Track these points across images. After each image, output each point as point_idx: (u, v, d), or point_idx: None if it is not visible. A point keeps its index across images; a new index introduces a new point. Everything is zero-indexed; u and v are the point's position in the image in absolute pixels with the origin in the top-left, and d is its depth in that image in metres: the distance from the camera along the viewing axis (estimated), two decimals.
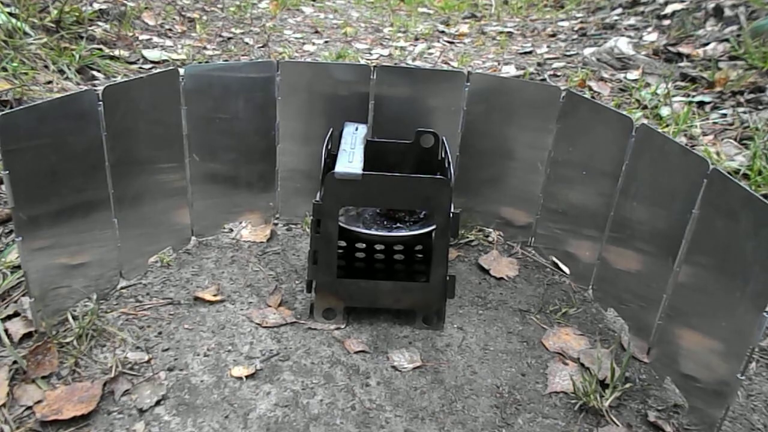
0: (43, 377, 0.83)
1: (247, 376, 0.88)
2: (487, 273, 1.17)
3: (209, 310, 1.01)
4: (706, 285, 0.86)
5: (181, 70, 1.04)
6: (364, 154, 0.97)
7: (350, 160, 0.92)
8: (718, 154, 1.61)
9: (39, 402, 0.79)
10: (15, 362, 0.84)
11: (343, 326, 1.00)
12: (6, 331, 0.88)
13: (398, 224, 1.08)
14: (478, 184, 1.24)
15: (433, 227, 0.94)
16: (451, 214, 0.92)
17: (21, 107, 0.84)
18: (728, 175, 0.82)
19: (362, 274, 0.97)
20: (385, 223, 1.07)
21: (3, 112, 0.78)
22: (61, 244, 0.91)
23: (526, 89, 1.15)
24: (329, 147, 1.04)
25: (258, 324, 0.99)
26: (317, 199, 0.92)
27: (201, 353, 0.92)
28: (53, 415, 0.77)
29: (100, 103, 0.92)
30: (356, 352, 0.94)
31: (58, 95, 1.55)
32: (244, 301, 1.04)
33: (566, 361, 0.96)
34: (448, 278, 0.97)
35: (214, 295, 1.04)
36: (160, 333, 0.95)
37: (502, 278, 1.16)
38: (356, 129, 1.04)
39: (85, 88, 1.58)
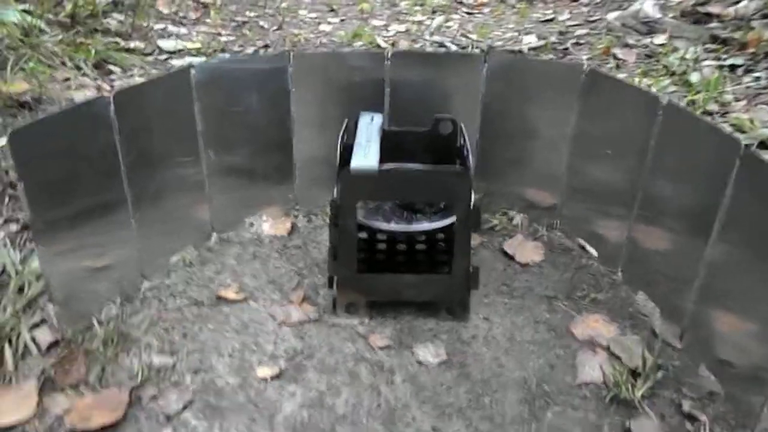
0: (72, 386, 0.84)
1: (272, 377, 0.88)
2: (512, 259, 1.15)
3: (232, 309, 1.01)
4: (741, 265, 0.82)
5: (192, 70, 1.02)
6: (381, 145, 0.95)
7: (366, 154, 0.90)
8: (751, 121, 1.54)
9: (68, 411, 0.80)
10: (43, 371, 0.85)
11: (366, 321, 0.99)
12: (33, 339, 0.89)
13: (418, 215, 1.06)
14: (501, 166, 1.21)
15: (454, 219, 0.92)
16: (472, 206, 0.90)
17: (32, 120, 0.83)
18: (761, 155, 0.78)
19: (383, 268, 0.96)
20: (405, 214, 1.05)
21: (14, 128, 0.78)
22: (82, 247, 0.92)
23: (546, 67, 1.11)
24: (344, 139, 1.02)
25: (281, 322, 0.98)
26: (334, 195, 0.91)
27: (226, 354, 0.92)
28: (83, 423, 0.78)
29: (112, 107, 0.91)
30: (381, 348, 0.93)
31: (74, 92, 1.56)
32: (267, 298, 1.04)
33: (596, 350, 0.94)
34: (471, 269, 0.95)
35: (237, 293, 1.04)
36: (184, 335, 0.95)
37: (527, 264, 1.13)
38: (372, 119, 1.02)
39: (102, 85, 1.58)
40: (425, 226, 0.93)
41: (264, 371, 0.89)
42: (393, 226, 0.93)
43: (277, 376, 0.88)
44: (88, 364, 0.87)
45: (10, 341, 0.88)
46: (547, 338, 0.96)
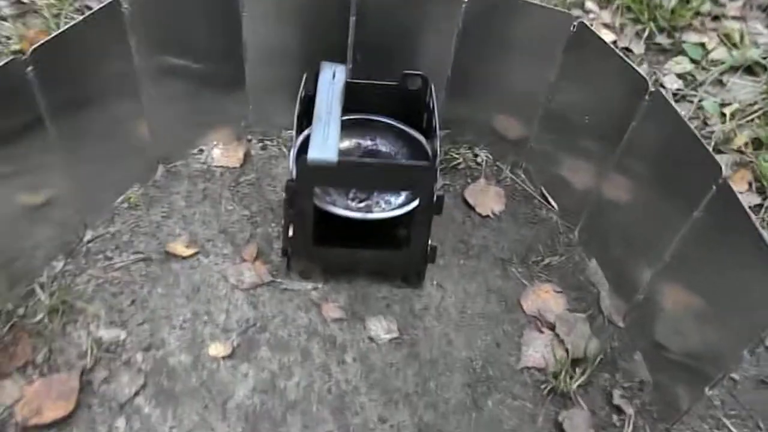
0: (18, 369, 0.83)
1: (224, 357, 0.88)
2: (472, 209, 1.12)
3: (182, 267, 0.98)
4: (700, 240, 0.81)
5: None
6: (344, 97, 0.87)
7: (325, 138, 0.82)
8: (741, 36, 1.45)
9: (17, 401, 0.80)
10: None
11: (320, 285, 0.98)
12: None
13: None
14: (472, 86, 1.10)
15: (415, 205, 0.87)
16: (436, 197, 0.85)
17: None
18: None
19: (339, 243, 0.93)
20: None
21: None
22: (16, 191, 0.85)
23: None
24: (303, 96, 0.92)
25: (234, 285, 0.97)
26: (290, 178, 0.84)
27: (177, 325, 0.91)
28: (35, 417, 0.79)
29: (30, 70, 0.78)
30: (333, 321, 0.94)
31: None
32: (219, 252, 1.01)
33: (542, 329, 0.97)
34: (429, 248, 0.93)
35: (187, 246, 1.01)
36: (133, 301, 0.93)
37: (487, 216, 1.12)
38: (333, 75, 0.91)
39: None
40: (385, 215, 0.89)
41: (216, 349, 0.89)
42: (350, 213, 0.88)
43: (229, 356, 0.89)
44: (33, 342, 0.86)
45: None
46: (497, 311, 0.98)
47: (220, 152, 1.15)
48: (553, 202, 1.14)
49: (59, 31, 0.82)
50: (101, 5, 0.85)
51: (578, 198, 1.08)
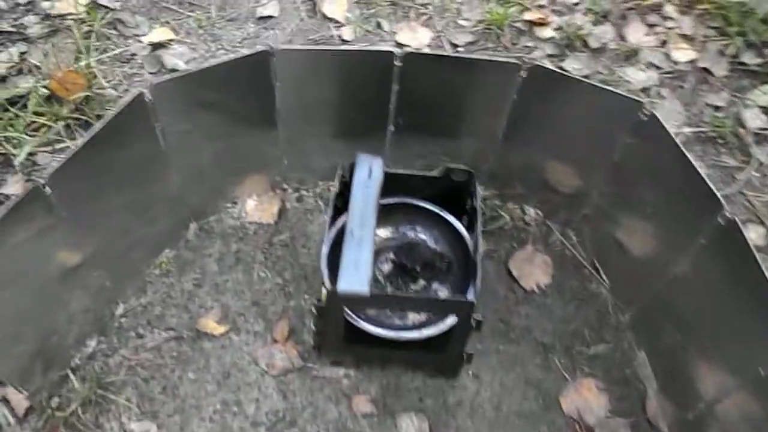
0: None
1: None
2: (516, 282, 1.06)
3: (214, 347, 0.97)
4: None
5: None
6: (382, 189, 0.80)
7: (357, 262, 0.76)
8: None
9: None
10: None
11: (352, 372, 0.96)
12: (7, 403, 0.88)
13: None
14: (527, 132, 1.00)
15: (451, 323, 0.82)
16: (476, 322, 0.80)
17: None
18: None
19: (371, 342, 0.89)
20: (401, 286, 0.93)
21: None
22: None
23: None
24: (336, 197, 0.85)
25: (264, 370, 0.95)
26: (319, 299, 0.80)
27: (207, 417, 0.91)
28: None
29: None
30: (363, 416, 0.92)
31: None
32: (250, 329, 0.99)
33: None
34: (466, 356, 0.88)
35: (218, 322, 0.99)
36: (164, 388, 0.93)
37: (531, 291, 1.05)
38: (370, 173, 0.83)
39: None
40: (419, 334, 0.84)
41: None
42: (383, 332, 0.83)
43: None
44: None
45: None
46: (534, 409, 0.94)
47: (254, 205, 1.11)
48: (604, 276, 1.06)
49: (75, 147, 0.76)
50: (123, 103, 0.79)
51: (633, 272, 1.00)
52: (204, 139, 0.97)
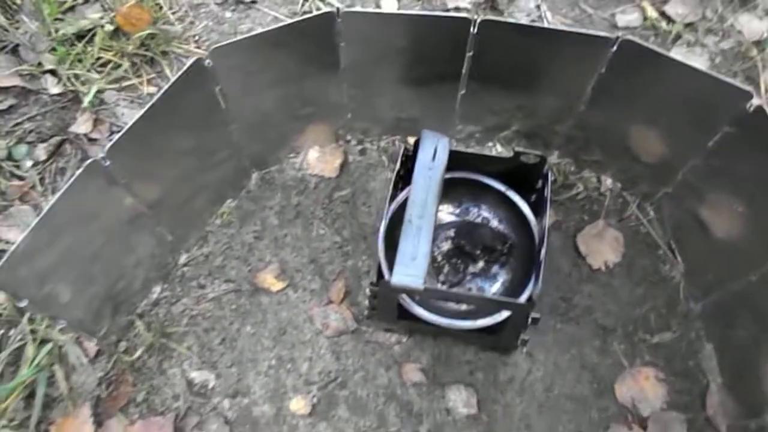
0: (121, 409, 0.91)
1: (303, 415, 0.92)
2: (582, 258, 1.01)
3: (271, 302, 0.99)
4: None
5: None
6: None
7: (414, 253, 0.73)
8: None
9: None
10: (97, 398, 0.91)
11: (404, 339, 0.96)
12: (80, 346, 0.93)
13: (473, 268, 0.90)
14: (610, 99, 0.90)
15: (508, 315, 0.80)
16: (532, 319, 0.77)
17: None
18: None
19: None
20: (459, 267, 0.90)
21: None
22: None
23: None
24: (401, 172, 0.81)
25: (319, 330, 0.97)
26: (373, 282, 0.78)
27: (262, 372, 0.94)
28: None
29: None
30: (412, 384, 0.93)
31: None
32: (307, 287, 1.00)
33: (632, 425, 0.91)
34: (520, 341, 0.86)
35: (276, 277, 1.00)
36: (223, 339, 0.96)
37: (598, 269, 1.00)
38: (434, 154, 0.78)
39: None
40: (473, 324, 0.81)
41: (298, 404, 0.92)
42: (436, 319, 0.81)
43: (309, 414, 0.92)
44: (134, 380, 0.93)
45: (56, 356, 0.92)
46: (586, 394, 0.93)
47: (317, 156, 1.08)
48: (680, 258, 1.00)
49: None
50: None
51: (714, 258, 0.93)
52: (266, 87, 0.93)
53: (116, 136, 0.73)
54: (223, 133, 0.95)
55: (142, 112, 0.73)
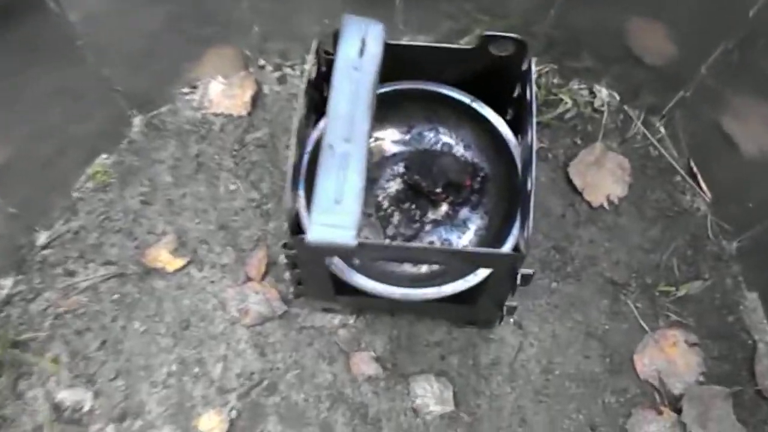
0: None
1: None
2: (579, 194, 0.77)
3: (168, 286, 0.73)
4: None
5: None
6: (384, 60, 0.51)
7: (339, 194, 0.48)
8: None
9: None
10: None
11: (351, 320, 0.71)
12: None
13: (433, 213, 0.65)
14: None
15: (485, 275, 0.55)
16: (522, 277, 0.53)
17: None
18: None
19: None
20: (414, 214, 0.64)
21: None
22: None
23: None
24: (312, 77, 0.55)
25: (235, 318, 0.71)
26: (286, 243, 0.53)
27: (159, 382, 0.69)
28: None
29: None
30: (366, 380, 0.69)
31: None
32: (216, 262, 0.74)
33: (661, 408, 0.68)
34: (507, 308, 0.62)
35: (174, 252, 0.74)
36: (103, 343, 0.70)
37: (600, 206, 0.76)
38: (362, 47, 0.52)
39: None
40: (438, 292, 0.56)
41: (210, 422, 0.67)
42: (384, 289, 0.56)
43: None
44: None
45: None
46: (597, 372, 0.70)
47: (221, 90, 0.81)
48: (704, 185, 0.76)
49: None
50: None
51: (747, 181, 0.71)
52: (144, 2, 0.67)
53: None
54: (85, 67, 0.68)
55: None
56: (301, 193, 0.56)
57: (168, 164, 0.78)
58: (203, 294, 0.73)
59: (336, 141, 0.50)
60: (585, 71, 0.80)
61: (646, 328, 0.71)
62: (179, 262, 0.73)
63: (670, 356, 0.70)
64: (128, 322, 0.71)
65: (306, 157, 0.58)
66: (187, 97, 0.82)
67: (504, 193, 0.63)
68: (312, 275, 0.58)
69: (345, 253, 0.52)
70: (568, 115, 0.80)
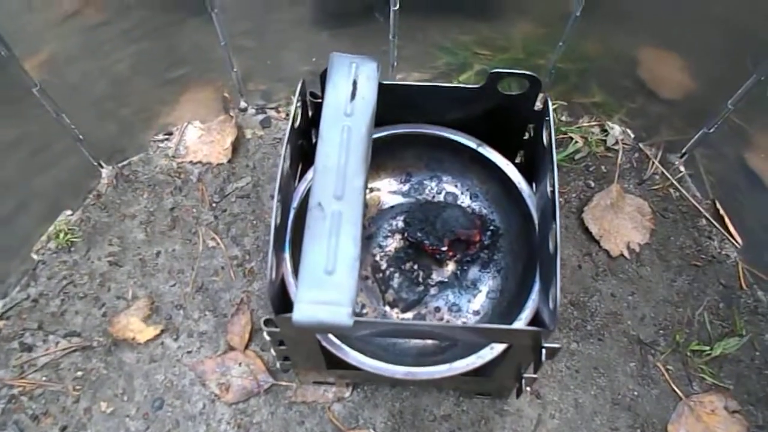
0: None
1: None
2: (596, 242, 0.69)
3: (139, 360, 0.64)
4: None
5: None
6: (378, 102, 0.44)
7: (330, 264, 0.40)
8: None
9: None
10: None
11: (346, 393, 0.63)
12: None
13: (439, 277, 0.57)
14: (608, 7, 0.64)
15: (498, 352, 0.47)
16: (546, 352, 0.45)
17: None
18: None
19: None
20: (417, 276, 0.57)
21: None
22: None
23: None
24: (297, 124, 0.48)
25: (215, 395, 0.63)
26: (269, 319, 0.45)
27: None
28: None
29: None
30: None
31: None
32: (193, 330, 0.66)
33: None
34: (522, 381, 0.54)
35: (146, 320, 0.65)
36: (64, 429, 0.61)
37: (620, 255, 0.69)
38: (353, 88, 0.45)
39: None
40: (449, 369, 0.48)
41: None
42: (384, 368, 0.48)
43: None
44: None
45: None
46: None
47: (199, 136, 0.74)
48: (732, 229, 0.69)
49: None
50: None
51: None
52: (116, 44, 0.60)
53: None
54: (44, 116, 0.61)
55: None
56: (287, 256, 0.49)
57: (140, 219, 0.71)
58: (179, 367, 0.64)
59: (326, 199, 0.42)
60: (595, 107, 0.74)
61: (680, 393, 0.63)
62: (152, 331, 0.65)
63: (710, 426, 0.62)
64: (93, 404, 0.62)
65: (292, 213, 0.50)
66: (161, 145, 0.74)
67: (518, 248, 0.55)
68: (300, 353, 0.50)
69: (338, 332, 0.44)
70: (579, 155, 0.73)
